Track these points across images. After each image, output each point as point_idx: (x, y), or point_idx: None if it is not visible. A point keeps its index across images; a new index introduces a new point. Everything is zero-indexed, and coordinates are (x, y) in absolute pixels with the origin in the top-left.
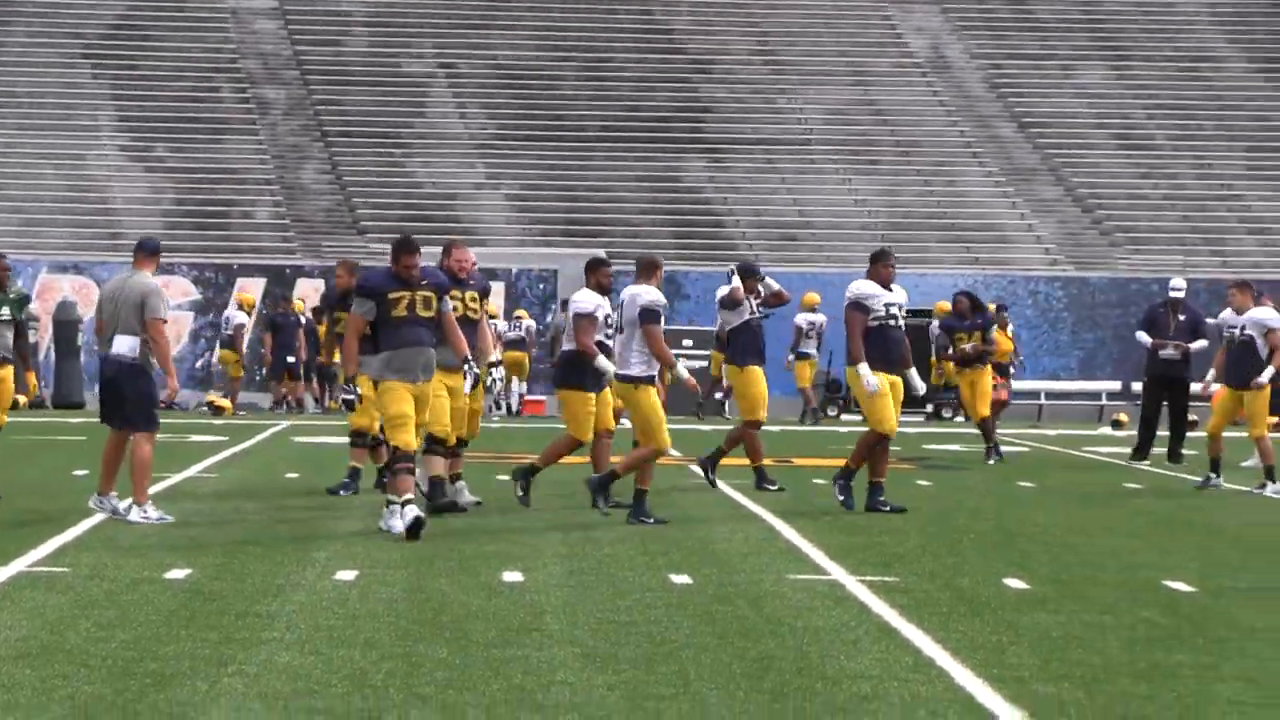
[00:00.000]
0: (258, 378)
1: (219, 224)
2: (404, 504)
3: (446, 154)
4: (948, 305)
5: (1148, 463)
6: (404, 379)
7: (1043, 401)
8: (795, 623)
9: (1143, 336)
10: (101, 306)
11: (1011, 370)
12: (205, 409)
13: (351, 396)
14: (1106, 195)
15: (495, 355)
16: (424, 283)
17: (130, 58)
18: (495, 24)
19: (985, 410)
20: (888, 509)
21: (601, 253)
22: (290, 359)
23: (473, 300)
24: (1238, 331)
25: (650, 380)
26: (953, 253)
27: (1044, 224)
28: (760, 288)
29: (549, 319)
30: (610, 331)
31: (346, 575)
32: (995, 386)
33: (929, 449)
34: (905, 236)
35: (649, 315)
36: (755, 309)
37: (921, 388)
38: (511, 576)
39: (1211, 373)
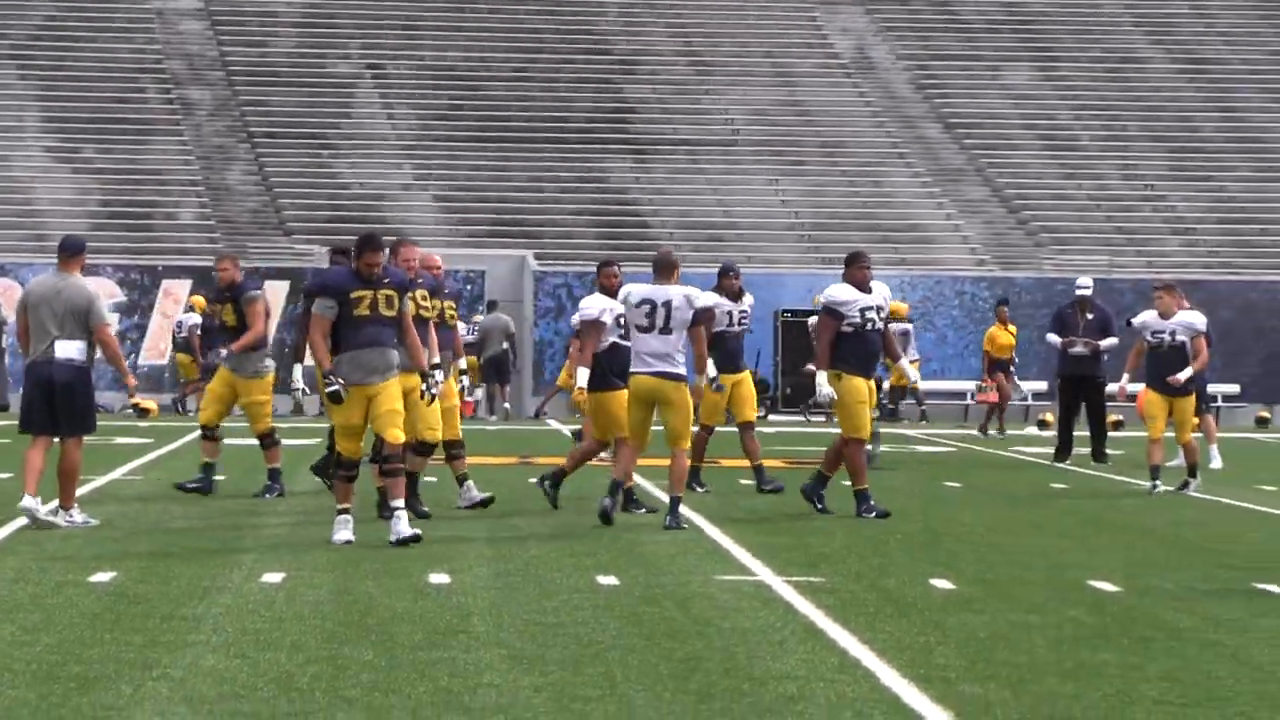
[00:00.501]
0: (182, 380)
1: (144, 225)
2: (341, 512)
3: (373, 155)
4: (902, 306)
5: (1069, 462)
6: (362, 381)
7: (968, 402)
8: (722, 623)
9: (1052, 338)
10: (29, 310)
11: (1011, 368)
12: (130, 411)
13: (336, 386)
14: (1032, 196)
15: (463, 362)
16: (386, 281)
17: (56, 59)
18: (422, 25)
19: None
20: (875, 514)
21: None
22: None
23: (423, 299)
24: (1167, 336)
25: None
26: (879, 253)
27: (970, 224)
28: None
29: (476, 319)
30: (621, 332)
31: (273, 578)
32: (982, 388)
33: None
34: (831, 237)
35: (708, 315)
36: (734, 317)
37: (916, 378)
38: (438, 578)
39: (1126, 376)
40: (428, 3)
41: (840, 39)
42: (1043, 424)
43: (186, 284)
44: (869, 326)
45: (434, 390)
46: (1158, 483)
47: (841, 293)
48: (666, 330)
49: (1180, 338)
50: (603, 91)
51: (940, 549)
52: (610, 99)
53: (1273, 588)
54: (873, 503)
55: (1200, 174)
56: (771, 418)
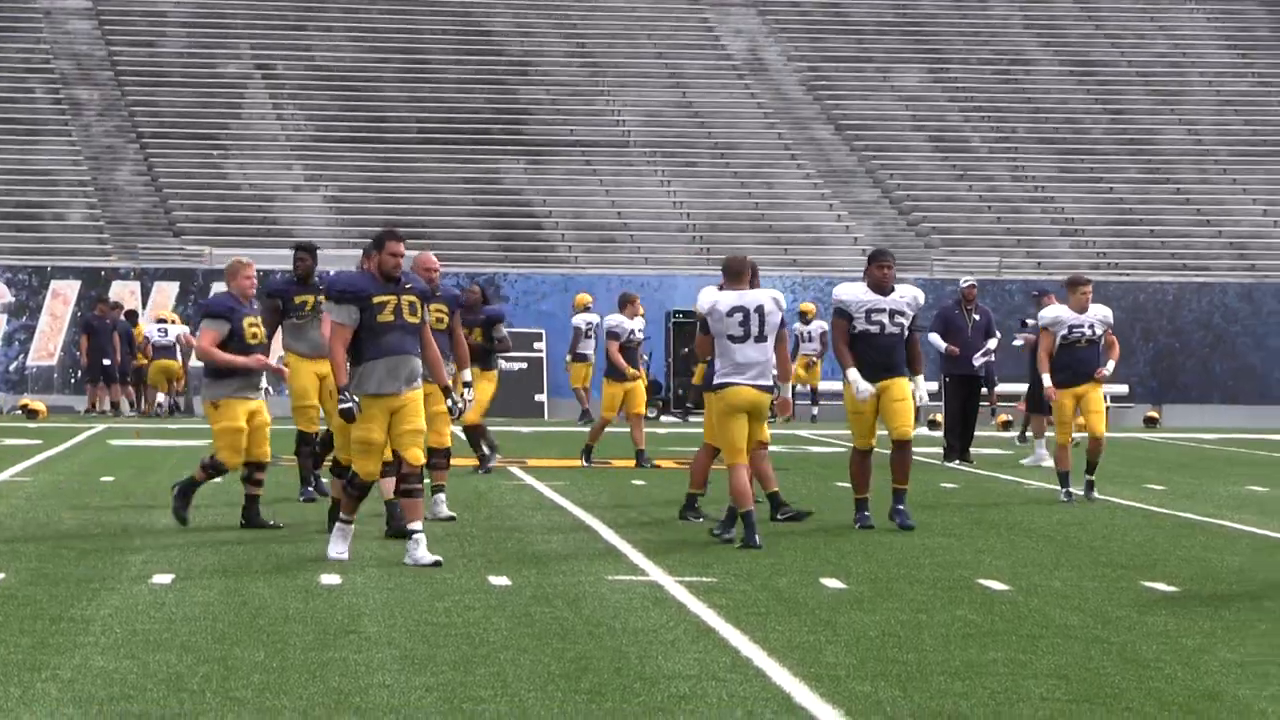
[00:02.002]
0: (73, 380)
1: (32, 226)
2: (343, 521)
3: (264, 155)
4: (811, 306)
5: (957, 462)
6: (385, 392)
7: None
8: (614, 623)
9: (936, 340)
10: None
11: None
12: (19, 412)
13: (349, 405)
14: (923, 198)
15: (466, 374)
16: (409, 286)
17: None
18: (312, 24)
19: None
20: (909, 524)
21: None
22: (106, 362)
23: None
24: (1086, 330)
25: None
26: (770, 254)
27: (861, 226)
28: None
29: None
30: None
31: (163, 579)
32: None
33: None
34: (723, 238)
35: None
36: None
37: (923, 397)
38: (329, 579)
39: (1047, 376)
40: (318, 3)
41: (732, 41)
42: (933, 424)
43: (75, 285)
44: (874, 329)
45: (461, 406)
46: (1070, 490)
47: (845, 292)
48: (762, 338)
49: (1098, 332)
50: (496, 93)
51: (831, 549)
52: (503, 101)
53: (1159, 585)
54: (867, 513)
55: (1089, 176)
56: (664, 419)
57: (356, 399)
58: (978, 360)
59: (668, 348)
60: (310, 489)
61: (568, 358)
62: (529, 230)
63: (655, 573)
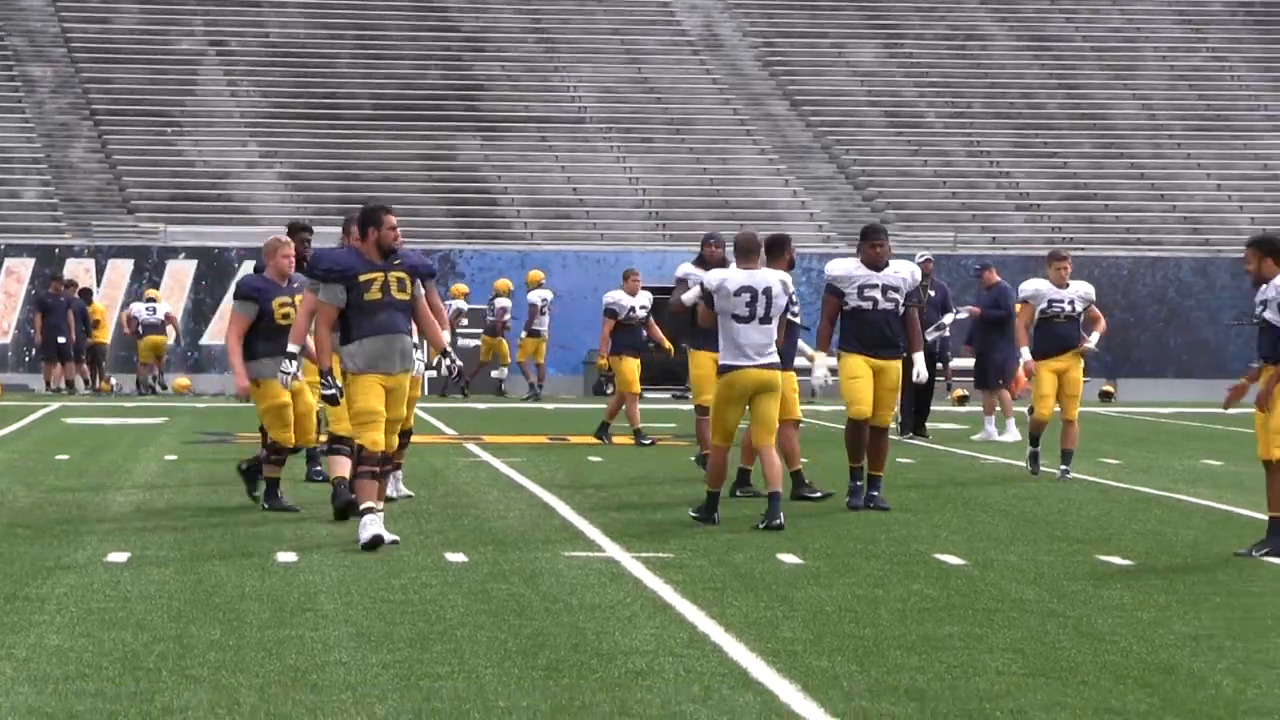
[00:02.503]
0: (27, 359)
1: None
2: (364, 511)
3: (218, 132)
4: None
5: (911, 437)
6: (378, 370)
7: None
8: (570, 600)
9: None
10: None
11: None
12: None
13: (332, 391)
14: (878, 173)
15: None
16: (397, 262)
17: None
18: (266, 0)
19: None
20: (884, 506)
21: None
22: (60, 340)
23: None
24: (1066, 305)
25: None
26: (726, 230)
27: (817, 201)
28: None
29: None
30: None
31: (118, 557)
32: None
33: None
34: (679, 214)
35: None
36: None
37: (920, 374)
38: (285, 557)
39: (1026, 350)
40: None
41: (688, 16)
42: (963, 400)
43: (30, 263)
44: (867, 305)
45: (454, 367)
46: (1041, 466)
47: (837, 267)
48: (767, 320)
49: (1079, 308)
50: (451, 69)
51: (788, 524)
52: (458, 76)
53: (1114, 559)
54: (877, 494)
55: (1044, 150)
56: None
57: (339, 385)
58: (930, 335)
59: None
60: (318, 467)
61: (522, 333)
62: (484, 206)
63: (612, 549)
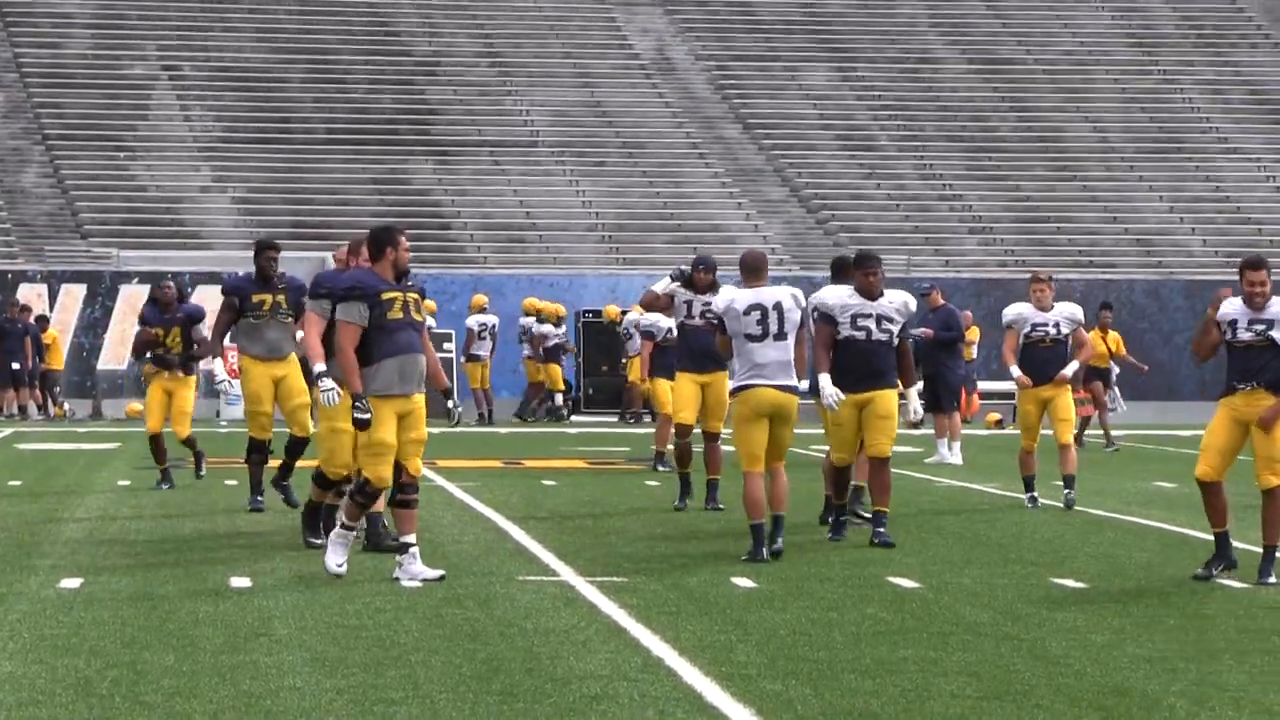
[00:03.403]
0: None
1: None
2: (347, 529)
3: (171, 157)
4: (557, 307)
5: None
6: (397, 393)
7: None
8: (525, 624)
9: None
10: None
11: (1112, 378)
12: None
13: (367, 415)
14: (831, 196)
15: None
16: (410, 284)
17: None
18: (218, 25)
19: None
20: (890, 542)
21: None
22: (15, 365)
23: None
24: (1050, 329)
25: None
26: (680, 253)
27: (769, 224)
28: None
29: None
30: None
31: (71, 583)
32: (1081, 401)
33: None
34: (632, 238)
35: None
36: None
37: (916, 411)
38: (239, 581)
39: (1016, 368)
40: (223, 4)
41: (640, 40)
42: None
43: None
44: (859, 335)
45: (457, 413)
46: (1035, 494)
47: (829, 295)
48: (782, 336)
49: (1064, 331)
50: (403, 93)
51: (740, 548)
52: (411, 101)
53: (1068, 582)
54: (883, 530)
55: (997, 174)
56: (574, 418)
57: (370, 410)
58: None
59: (578, 347)
60: (260, 498)
61: (462, 359)
62: (437, 230)
63: (566, 573)
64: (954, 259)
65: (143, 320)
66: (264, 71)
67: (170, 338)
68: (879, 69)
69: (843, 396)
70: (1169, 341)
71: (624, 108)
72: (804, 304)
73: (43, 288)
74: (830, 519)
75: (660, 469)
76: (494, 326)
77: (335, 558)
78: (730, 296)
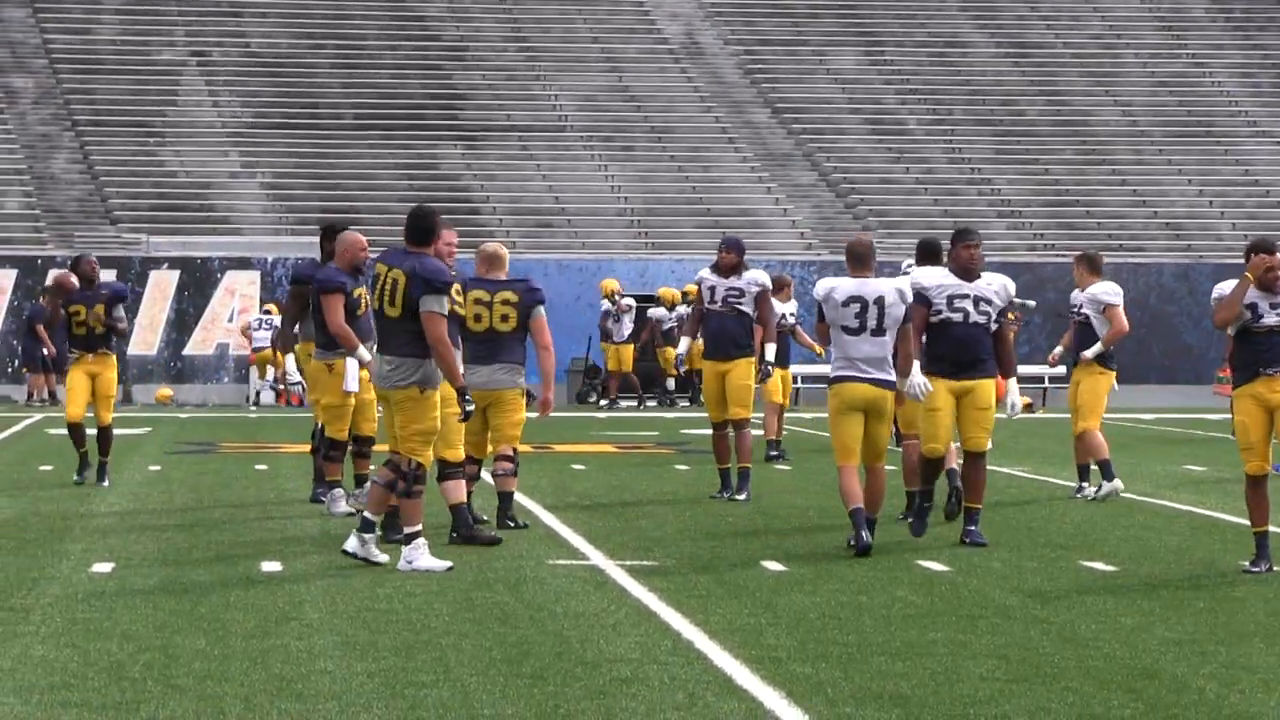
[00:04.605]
0: (9, 370)
1: None
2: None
3: (200, 142)
4: (672, 292)
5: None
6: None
7: (800, 385)
8: (555, 608)
9: None
10: None
11: None
12: None
13: (472, 408)
14: (860, 180)
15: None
16: (454, 275)
17: None
18: (247, 11)
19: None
20: (981, 542)
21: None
22: (44, 351)
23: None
24: (1074, 311)
25: None
26: (708, 238)
27: (799, 209)
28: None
29: None
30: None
31: (103, 567)
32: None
33: (687, 434)
34: (660, 222)
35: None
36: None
37: (1015, 404)
38: (270, 566)
39: (1059, 349)
40: None
41: (669, 24)
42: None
43: (12, 274)
44: (957, 317)
45: (469, 409)
46: (1084, 485)
47: (925, 276)
48: (880, 331)
49: (1085, 311)
50: (431, 78)
51: (771, 532)
52: (439, 86)
53: (1097, 565)
54: (975, 528)
55: (1025, 157)
56: (603, 402)
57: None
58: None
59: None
60: (323, 490)
61: None
62: (466, 215)
63: (596, 557)
64: (983, 243)
65: (54, 298)
66: (292, 57)
67: (92, 316)
68: (908, 53)
69: (930, 387)
70: (1198, 325)
71: (653, 92)
72: (909, 299)
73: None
74: (912, 511)
75: (780, 458)
76: None
77: (428, 561)
78: (831, 285)
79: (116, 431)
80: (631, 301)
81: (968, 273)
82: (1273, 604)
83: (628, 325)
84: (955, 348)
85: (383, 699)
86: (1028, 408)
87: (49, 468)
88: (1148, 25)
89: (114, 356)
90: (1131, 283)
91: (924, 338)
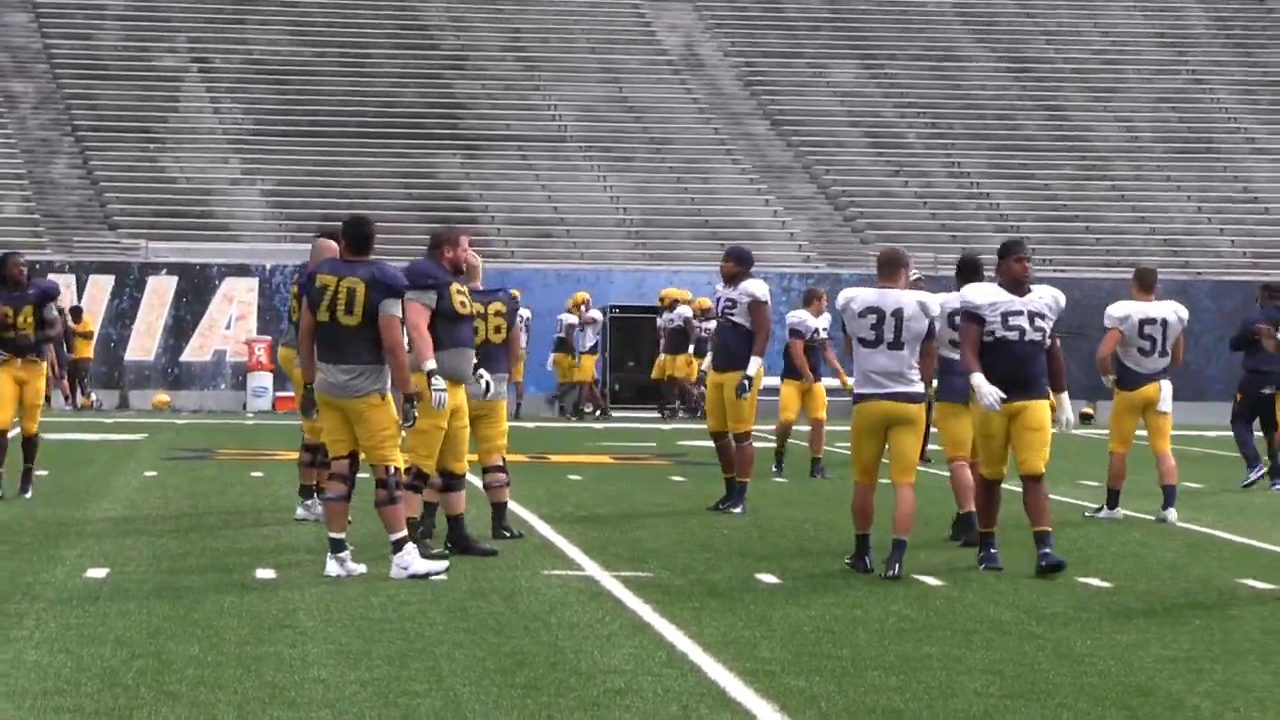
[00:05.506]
0: None
1: None
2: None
3: (201, 149)
4: (706, 301)
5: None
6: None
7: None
8: (549, 618)
9: None
10: None
11: None
12: None
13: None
14: (858, 193)
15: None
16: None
17: None
18: (249, 18)
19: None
20: (996, 566)
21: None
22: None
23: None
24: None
25: None
26: (707, 249)
27: (796, 221)
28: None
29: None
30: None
31: (97, 573)
32: None
33: (684, 445)
34: (659, 233)
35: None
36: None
37: (1070, 420)
38: (264, 573)
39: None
40: None
41: (668, 35)
42: (1085, 417)
43: None
44: (1013, 335)
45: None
46: (1118, 511)
47: (977, 293)
48: (897, 345)
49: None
50: (432, 87)
51: (766, 544)
52: (439, 95)
53: (1093, 581)
54: (1049, 550)
55: (1024, 171)
56: (598, 412)
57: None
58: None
59: (605, 343)
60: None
61: None
62: (464, 224)
63: (591, 567)
64: (980, 257)
65: None
66: (293, 65)
67: (21, 318)
68: (906, 66)
69: (1004, 396)
70: (1197, 342)
71: (652, 103)
72: (934, 314)
73: (71, 278)
74: (970, 538)
75: (777, 471)
76: (529, 320)
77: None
78: (851, 295)
79: (113, 436)
80: (598, 315)
81: (1019, 286)
82: (1269, 622)
83: (591, 337)
84: (1010, 367)
85: (376, 708)
86: (1087, 418)
87: (44, 472)
88: (1148, 40)
89: (44, 365)
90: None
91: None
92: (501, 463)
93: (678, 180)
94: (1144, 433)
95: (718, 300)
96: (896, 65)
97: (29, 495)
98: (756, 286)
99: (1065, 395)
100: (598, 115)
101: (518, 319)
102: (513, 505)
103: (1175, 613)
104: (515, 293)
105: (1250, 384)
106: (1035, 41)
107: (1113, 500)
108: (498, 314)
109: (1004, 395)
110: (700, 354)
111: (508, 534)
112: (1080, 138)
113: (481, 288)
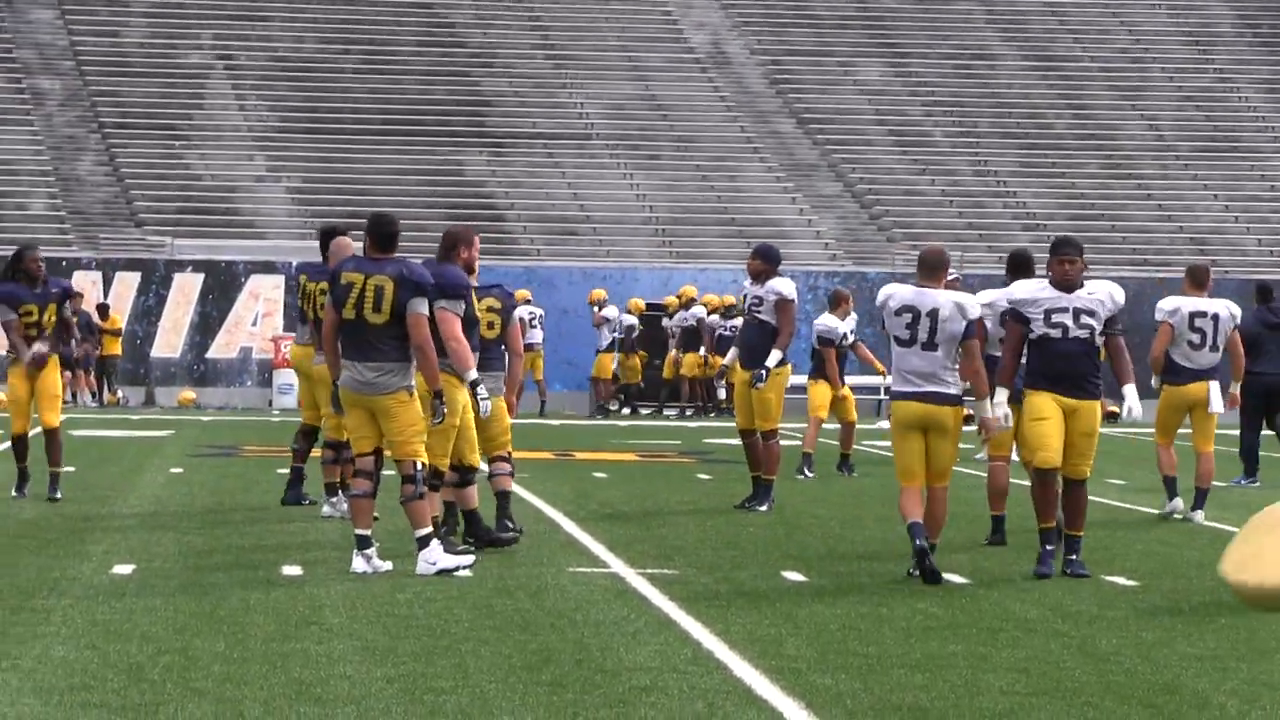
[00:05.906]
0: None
1: None
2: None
3: (226, 146)
4: (718, 299)
5: None
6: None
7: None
8: (575, 615)
9: None
10: None
11: None
12: None
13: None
14: (885, 191)
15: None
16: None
17: None
18: (274, 15)
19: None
20: (1083, 573)
21: None
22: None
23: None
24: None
25: None
26: (733, 248)
27: (823, 220)
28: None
29: None
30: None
31: (124, 569)
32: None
33: (710, 443)
34: (685, 231)
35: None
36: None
37: (1132, 409)
38: (290, 570)
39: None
40: None
41: (695, 34)
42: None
43: None
44: (1055, 332)
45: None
46: (1176, 501)
47: (1021, 290)
48: (931, 346)
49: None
50: (458, 85)
51: (792, 542)
52: (466, 92)
53: (1119, 579)
54: (1075, 558)
55: (1051, 170)
56: (625, 410)
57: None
58: None
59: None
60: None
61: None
62: (491, 223)
63: (617, 565)
64: (1006, 255)
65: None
66: (319, 62)
67: (45, 316)
68: (933, 65)
69: (1009, 423)
70: None
71: (679, 101)
72: (972, 315)
73: (97, 275)
74: (995, 539)
75: (808, 475)
76: (541, 317)
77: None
78: (890, 292)
79: (139, 433)
80: (613, 312)
81: (1067, 284)
82: None
83: (606, 335)
84: (1057, 364)
85: (402, 704)
86: (1113, 416)
87: (71, 469)
88: (1174, 40)
89: (54, 357)
90: (1156, 297)
91: (1024, 355)
92: (508, 454)
93: (704, 178)
94: (1187, 430)
95: (745, 298)
96: (924, 64)
97: (59, 496)
98: (784, 285)
99: (1130, 386)
100: (625, 113)
101: (529, 316)
102: (538, 503)
103: (1201, 611)
104: (524, 294)
105: (1250, 385)
106: (1063, 40)
107: (1171, 489)
108: (490, 310)
109: (1011, 417)
110: (720, 351)
111: (510, 525)
112: (1107, 136)
113: (475, 283)
